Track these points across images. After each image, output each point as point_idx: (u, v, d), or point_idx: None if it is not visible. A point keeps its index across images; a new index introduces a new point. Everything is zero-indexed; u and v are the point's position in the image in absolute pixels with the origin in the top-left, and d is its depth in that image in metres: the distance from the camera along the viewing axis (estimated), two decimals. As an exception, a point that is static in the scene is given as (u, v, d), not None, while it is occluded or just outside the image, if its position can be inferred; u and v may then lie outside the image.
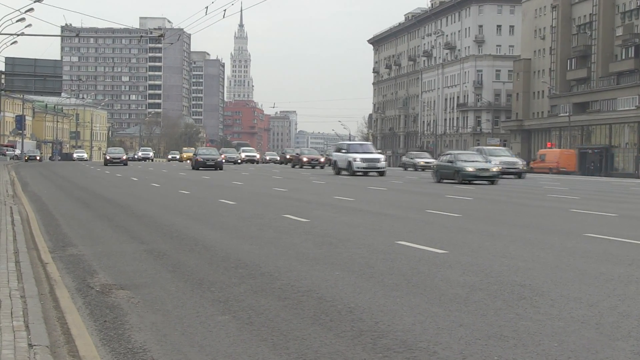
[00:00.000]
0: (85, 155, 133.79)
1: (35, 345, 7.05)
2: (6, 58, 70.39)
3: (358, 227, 19.28)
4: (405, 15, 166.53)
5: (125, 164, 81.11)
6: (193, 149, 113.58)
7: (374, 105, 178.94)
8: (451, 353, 7.27)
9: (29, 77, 69.55)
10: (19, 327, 7.68)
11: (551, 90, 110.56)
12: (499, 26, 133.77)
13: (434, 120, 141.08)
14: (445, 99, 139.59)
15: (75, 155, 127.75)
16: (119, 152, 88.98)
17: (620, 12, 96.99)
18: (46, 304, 9.22)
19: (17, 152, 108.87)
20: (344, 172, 52.90)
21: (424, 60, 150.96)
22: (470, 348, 7.47)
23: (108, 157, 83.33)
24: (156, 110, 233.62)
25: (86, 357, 7.08)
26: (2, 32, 66.24)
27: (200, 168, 68.67)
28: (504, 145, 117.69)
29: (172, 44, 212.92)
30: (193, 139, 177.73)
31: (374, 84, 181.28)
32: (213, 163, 70.74)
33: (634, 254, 14.29)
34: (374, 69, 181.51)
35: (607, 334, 8.08)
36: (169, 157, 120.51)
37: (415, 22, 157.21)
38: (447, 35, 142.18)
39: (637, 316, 8.89)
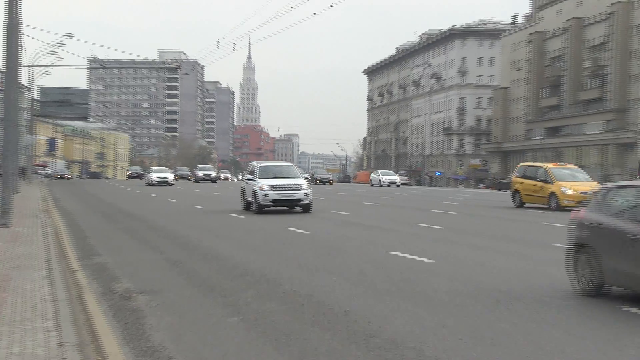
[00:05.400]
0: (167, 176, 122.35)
1: (64, 344, 7.07)
2: (40, 87, 70.67)
3: (353, 239, 19.29)
4: (396, 48, 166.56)
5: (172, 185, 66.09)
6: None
7: (368, 129, 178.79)
8: (435, 351, 7.30)
9: (60, 104, 69.73)
10: (50, 328, 7.72)
11: (526, 116, 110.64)
12: (480, 58, 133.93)
13: (422, 143, 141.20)
14: (432, 124, 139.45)
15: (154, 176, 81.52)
16: (165, 173, 70.37)
17: (587, 47, 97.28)
18: (75, 307, 9.25)
19: (49, 171, 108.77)
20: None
21: (413, 89, 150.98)
22: (452, 347, 7.51)
23: (154, 178, 66.60)
24: (173, 133, 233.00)
25: (110, 355, 7.10)
26: (36, 64, 66.45)
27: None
28: (485, 165, 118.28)
29: (187, 74, 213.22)
30: (206, 159, 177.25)
31: (368, 110, 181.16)
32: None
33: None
34: (368, 97, 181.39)
35: (574, 334, 8.12)
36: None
37: (405, 55, 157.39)
38: (433, 67, 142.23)
39: (601, 320, 8.92)
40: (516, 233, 21.77)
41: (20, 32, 24.49)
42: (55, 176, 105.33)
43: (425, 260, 14.33)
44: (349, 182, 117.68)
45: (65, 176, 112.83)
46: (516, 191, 34.14)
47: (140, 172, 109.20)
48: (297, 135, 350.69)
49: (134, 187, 64.67)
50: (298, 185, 28.05)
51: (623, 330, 8.31)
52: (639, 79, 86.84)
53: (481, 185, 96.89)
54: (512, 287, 11.23)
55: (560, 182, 30.67)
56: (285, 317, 9.05)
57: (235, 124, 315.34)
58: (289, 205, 28.42)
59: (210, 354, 7.42)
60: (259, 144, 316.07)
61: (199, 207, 33.84)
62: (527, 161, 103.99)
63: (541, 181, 31.81)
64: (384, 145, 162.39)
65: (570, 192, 29.79)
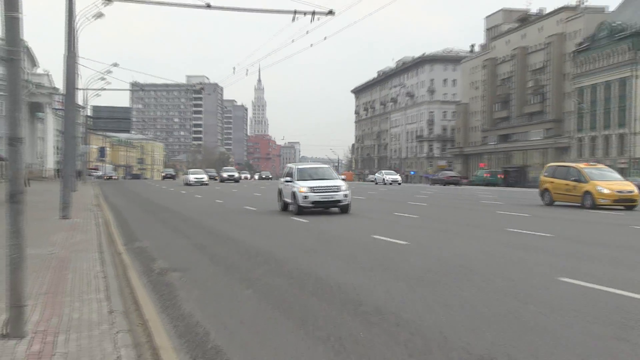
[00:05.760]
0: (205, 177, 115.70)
1: (113, 311, 7.07)
2: (93, 106, 70.98)
3: (347, 226, 19.26)
4: (377, 72, 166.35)
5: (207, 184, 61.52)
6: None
7: (356, 137, 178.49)
8: (411, 316, 7.28)
9: (108, 119, 70.08)
10: (101, 299, 7.72)
11: (482, 126, 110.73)
12: (445, 80, 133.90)
13: (399, 148, 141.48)
14: (407, 133, 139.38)
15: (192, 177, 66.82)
16: (201, 175, 65.25)
17: (530, 70, 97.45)
18: (121, 282, 9.23)
19: (100, 173, 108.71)
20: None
21: (391, 105, 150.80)
22: (425, 312, 7.48)
23: (192, 179, 62.18)
24: (198, 142, 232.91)
25: (149, 320, 7.07)
26: (90, 87, 66.52)
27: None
28: (449, 166, 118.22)
29: (209, 94, 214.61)
30: (225, 163, 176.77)
31: (355, 122, 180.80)
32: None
33: (541, 243, 14.30)
34: (355, 111, 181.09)
35: (521, 299, 8.10)
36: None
37: (385, 77, 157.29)
38: (407, 87, 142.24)
39: (543, 288, 8.92)
40: (476, 220, 21.79)
41: (76, 62, 24.44)
42: (105, 177, 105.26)
43: (403, 242, 14.31)
44: None
45: (113, 177, 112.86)
46: (545, 190, 29.54)
47: (173, 173, 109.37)
48: (298, 142, 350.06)
49: (168, 185, 64.64)
50: (337, 186, 23.38)
51: (563, 297, 8.28)
52: (571, 96, 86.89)
53: (452, 184, 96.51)
54: (472, 264, 11.21)
55: (595, 182, 26.73)
56: (290, 290, 9.04)
57: (248, 134, 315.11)
58: (328, 207, 23.40)
59: (230, 319, 7.39)
60: (268, 150, 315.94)
61: (220, 201, 33.81)
62: (483, 162, 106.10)
63: (574, 180, 27.55)
64: (369, 150, 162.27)
65: (606, 191, 26.23)
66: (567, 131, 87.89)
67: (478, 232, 17.34)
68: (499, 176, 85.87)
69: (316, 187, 22.89)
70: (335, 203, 23.08)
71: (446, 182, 79.13)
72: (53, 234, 15.01)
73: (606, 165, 32.06)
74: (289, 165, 26.57)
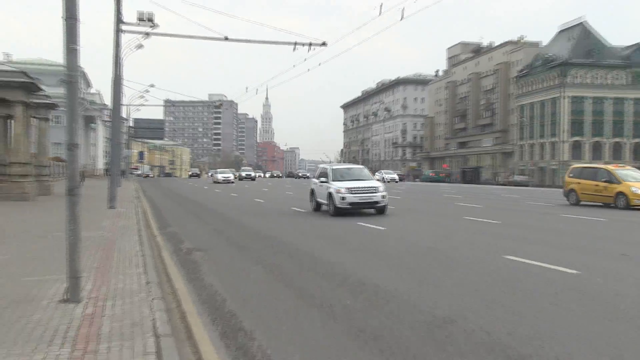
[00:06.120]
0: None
1: (149, 282, 7.05)
2: (134, 119, 70.66)
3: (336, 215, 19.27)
4: (362, 91, 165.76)
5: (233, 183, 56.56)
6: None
7: (344, 143, 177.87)
8: (387, 287, 7.28)
9: (146, 129, 69.78)
10: (140, 272, 7.70)
11: (445, 135, 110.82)
12: (415, 98, 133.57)
13: (379, 152, 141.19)
14: (385, 140, 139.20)
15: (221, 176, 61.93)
16: (228, 174, 60.18)
17: (482, 91, 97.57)
18: (155, 259, 9.23)
19: (139, 172, 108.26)
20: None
21: (373, 117, 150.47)
22: (399, 284, 7.48)
23: (220, 177, 57.20)
24: (218, 147, 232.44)
25: (178, 289, 7.10)
26: (131, 103, 66.38)
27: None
28: (419, 167, 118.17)
29: (226, 109, 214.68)
30: (239, 164, 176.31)
31: (344, 131, 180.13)
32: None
33: (494, 229, 14.34)
34: (343, 123, 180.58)
35: (476, 271, 8.11)
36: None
37: (367, 95, 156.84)
38: (385, 103, 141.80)
39: (496, 268, 8.92)
40: (440, 209, 21.75)
41: (121, 84, 24.34)
42: (143, 176, 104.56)
43: (382, 228, 14.33)
44: None
45: (149, 176, 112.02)
46: (571, 190, 24.68)
47: (197, 172, 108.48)
48: (298, 147, 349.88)
49: (193, 182, 64.49)
50: (375, 187, 18.60)
51: (509, 273, 8.30)
52: (514, 111, 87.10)
53: (417, 179, 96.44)
54: (436, 245, 11.23)
55: (628, 183, 22.19)
56: (290, 266, 9.02)
57: (257, 141, 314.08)
58: (366, 208, 18.63)
59: (242, 289, 7.39)
60: (274, 154, 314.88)
61: (235, 194, 33.73)
62: (446, 163, 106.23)
63: (605, 181, 22.90)
64: (354, 154, 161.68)
65: None
66: (511, 139, 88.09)
67: (441, 220, 17.36)
68: (440, 175, 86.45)
69: (354, 188, 18.26)
70: (372, 204, 18.32)
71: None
72: (102, 220, 14.98)
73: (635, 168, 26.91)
74: (323, 165, 21.71)
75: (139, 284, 6.93)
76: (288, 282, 7.77)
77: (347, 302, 6.51)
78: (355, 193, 18.09)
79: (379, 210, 18.56)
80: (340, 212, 17.93)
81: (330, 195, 18.47)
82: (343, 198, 17.94)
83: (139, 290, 6.59)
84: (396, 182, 69.23)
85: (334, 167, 20.27)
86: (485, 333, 5.30)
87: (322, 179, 19.52)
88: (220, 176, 57.92)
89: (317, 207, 20.01)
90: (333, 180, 18.88)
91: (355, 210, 18.24)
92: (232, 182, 56.17)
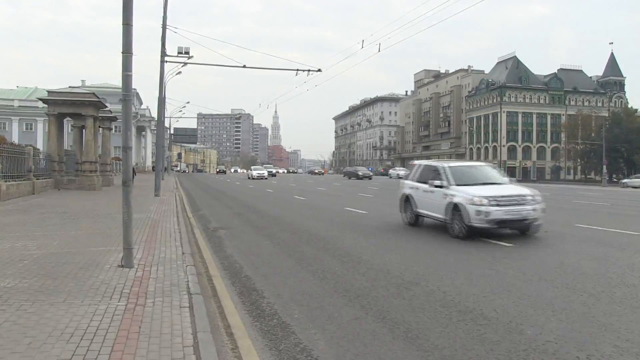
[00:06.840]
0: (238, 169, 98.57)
1: (185, 253, 7.04)
2: (174, 128, 70.21)
3: (327, 201, 19.15)
4: (349, 106, 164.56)
5: (266, 179, 47.65)
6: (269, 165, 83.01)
7: (335, 147, 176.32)
8: (367, 257, 7.27)
9: (183, 135, 69.44)
10: (177, 245, 7.66)
11: (412, 140, 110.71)
12: (390, 111, 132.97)
13: (362, 154, 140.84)
14: (367, 145, 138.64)
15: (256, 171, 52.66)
16: (262, 170, 51.22)
17: (441, 107, 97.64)
18: (189, 235, 9.19)
19: (178, 168, 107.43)
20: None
21: (357, 127, 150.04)
22: (376, 255, 7.47)
23: (255, 174, 48.58)
24: (237, 150, 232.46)
25: (207, 259, 7.10)
26: (172, 116, 66.03)
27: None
28: (393, 165, 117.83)
29: (245, 120, 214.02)
30: (254, 163, 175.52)
31: (335, 137, 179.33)
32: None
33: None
34: (335, 131, 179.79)
35: (442, 246, 8.09)
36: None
37: (353, 110, 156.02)
38: (367, 116, 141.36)
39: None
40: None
41: (165, 101, 24.19)
42: (181, 172, 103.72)
43: (363, 211, 14.32)
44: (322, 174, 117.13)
45: (185, 171, 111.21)
46: None
47: (224, 169, 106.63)
48: (300, 149, 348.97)
49: (219, 177, 64.10)
50: (522, 196, 9.02)
51: (470, 247, 8.30)
52: (465, 123, 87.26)
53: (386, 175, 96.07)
54: (405, 225, 11.23)
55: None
56: (293, 240, 8.99)
57: (268, 145, 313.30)
58: (515, 228, 9.09)
59: (255, 258, 7.40)
60: (281, 155, 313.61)
61: (251, 186, 33.51)
62: (414, 162, 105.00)
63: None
64: (343, 155, 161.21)
65: None
66: (463, 144, 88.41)
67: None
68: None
69: (498, 197, 8.88)
70: (522, 221, 8.90)
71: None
72: (149, 205, 14.90)
73: None
74: (428, 163, 11.48)
75: (177, 254, 6.93)
76: (290, 252, 7.71)
77: (335, 268, 6.50)
78: (503, 205, 8.80)
79: (533, 229, 9.16)
80: (474, 232, 8.87)
81: (455, 207, 9.21)
82: (482, 213, 8.70)
83: (176, 259, 6.59)
84: (369, 178, 65.33)
85: (451, 165, 10.35)
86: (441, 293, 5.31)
87: (436, 183, 9.98)
88: (254, 172, 49.08)
89: (415, 220, 10.92)
90: (457, 185, 9.59)
91: (499, 229, 9.10)
92: (266, 178, 47.71)
